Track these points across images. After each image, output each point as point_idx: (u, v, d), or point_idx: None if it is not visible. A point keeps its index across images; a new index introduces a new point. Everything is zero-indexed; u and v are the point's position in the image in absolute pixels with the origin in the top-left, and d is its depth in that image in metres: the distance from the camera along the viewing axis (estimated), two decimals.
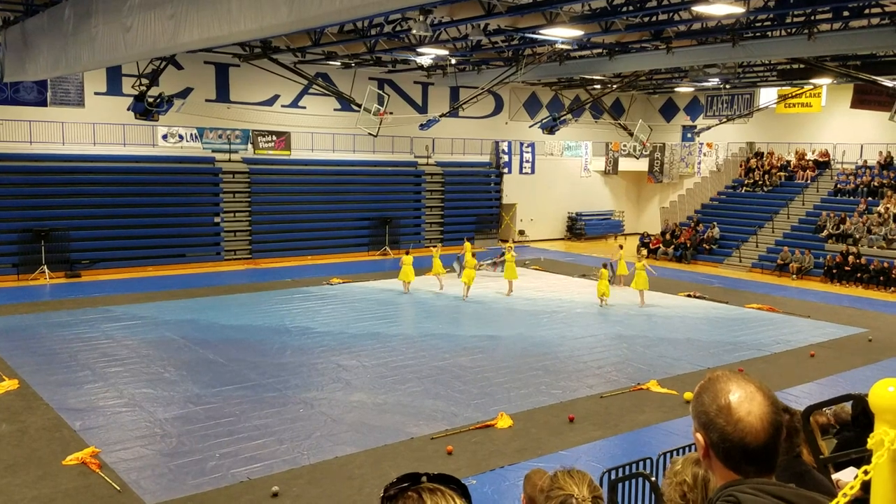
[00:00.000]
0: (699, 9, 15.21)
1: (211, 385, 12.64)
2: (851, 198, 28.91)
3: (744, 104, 33.94)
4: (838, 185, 29.77)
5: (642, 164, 37.70)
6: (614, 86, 30.12)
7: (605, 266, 20.76)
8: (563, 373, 13.94)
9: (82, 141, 24.27)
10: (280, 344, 15.47)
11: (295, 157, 28.52)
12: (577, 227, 36.43)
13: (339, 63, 25.93)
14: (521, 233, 34.36)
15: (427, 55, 23.32)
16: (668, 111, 38.06)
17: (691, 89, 34.11)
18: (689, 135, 36.17)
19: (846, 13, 16.39)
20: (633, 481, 7.29)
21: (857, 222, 27.11)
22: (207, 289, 21.37)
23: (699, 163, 36.24)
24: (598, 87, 31.41)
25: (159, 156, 25.64)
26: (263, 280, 23.06)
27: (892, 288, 23.99)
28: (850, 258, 25.31)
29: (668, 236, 31.40)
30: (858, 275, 24.87)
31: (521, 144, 34.65)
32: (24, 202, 23.05)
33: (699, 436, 1.83)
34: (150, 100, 20.82)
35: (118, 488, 8.72)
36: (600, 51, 22.48)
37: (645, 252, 30.09)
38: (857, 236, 26.53)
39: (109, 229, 24.28)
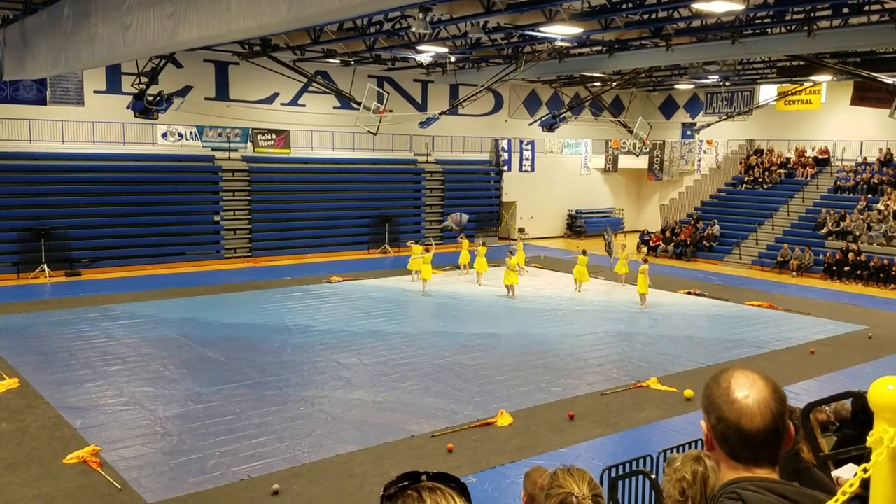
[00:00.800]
0: (699, 6, 15.18)
1: (211, 383, 12.65)
2: (851, 195, 28.91)
3: (744, 101, 33.92)
4: (838, 182, 29.76)
5: (642, 162, 37.69)
6: (614, 83, 30.09)
7: (584, 253, 20.91)
8: (564, 370, 13.95)
9: (82, 139, 24.26)
10: (280, 342, 15.47)
11: (294, 156, 28.51)
12: (577, 225, 36.44)
13: (338, 61, 25.92)
14: (521, 230, 34.35)
15: (426, 53, 23.30)
16: (668, 108, 38.04)
17: (691, 86, 34.09)
18: (688, 132, 36.16)
19: (846, 10, 16.37)
20: (634, 479, 7.29)
21: (857, 219, 27.11)
22: (207, 287, 21.38)
23: (699, 160, 36.24)
24: (598, 84, 31.39)
25: (159, 154, 25.63)
26: (263, 278, 23.07)
27: (892, 285, 23.99)
28: (850, 255, 25.32)
29: (668, 234, 31.41)
30: (858, 272, 24.87)
31: (521, 142, 34.65)
32: (23, 201, 23.04)
33: (703, 422, 1.87)
34: (150, 98, 20.80)
35: (119, 487, 8.73)
36: (600, 48, 22.46)
37: (645, 250, 30.07)
38: (857, 233, 26.53)
39: (109, 228, 24.28)
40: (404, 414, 11.39)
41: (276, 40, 21.74)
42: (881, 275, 24.38)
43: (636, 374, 13.65)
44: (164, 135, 25.86)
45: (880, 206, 27.13)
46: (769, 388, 1.81)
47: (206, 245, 26.26)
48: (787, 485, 1.78)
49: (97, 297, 19.59)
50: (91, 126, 24.31)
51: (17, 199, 22.98)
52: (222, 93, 26.94)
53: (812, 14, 17.18)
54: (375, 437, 10.40)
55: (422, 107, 31.35)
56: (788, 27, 18.46)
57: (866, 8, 16.21)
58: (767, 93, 32.30)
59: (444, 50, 22.46)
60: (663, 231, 31.96)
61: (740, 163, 33.83)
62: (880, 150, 29.60)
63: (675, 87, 34.38)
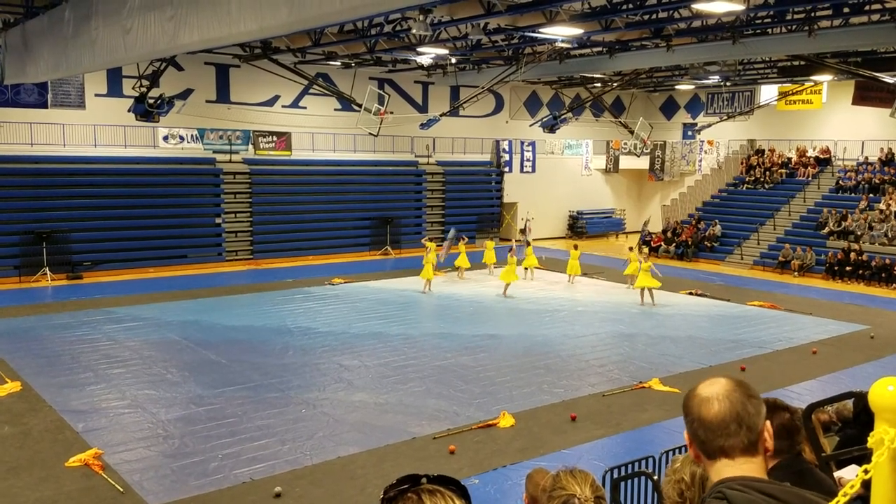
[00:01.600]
0: (699, 6, 15.18)
1: (213, 386, 12.65)
2: (853, 194, 28.88)
3: (744, 101, 33.90)
4: (840, 182, 29.73)
5: (643, 163, 37.67)
6: (615, 84, 30.08)
7: (575, 247, 21.10)
8: (566, 371, 13.94)
9: (83, 142, 24.28)
10: (282, 344, 15.48)
11: (296, 158, 28.53)
12: (579, 226, 36.43)
13: (339, 63, 25.93)
14: (523, 231, 34.32)
15: (427, 55, 23.31)
16: (669, 109, 38.03)
17: (692, 87, 34.08)
18: (689, 132, 36.13)
19: (846, 10, 16.35)
20: (636, 480, 7.29)
21: (858, 219, 27.08)
22: (209, 290, 21.38)
23: (700, 160, 36.22)
24: (599, 85, 31.38)
25: (160, 157, 25.66)
26: (265, 280, 23.07)
27: (894, 284, 23.96)
28: (852, 255, 25.29)
29: (669, 234, 31.38)
30: (860, 272, 24.85)
31: (522, 143, 34.64)
32: (25, 204, 23.06)
33: (685, 432, 1.94)
34: (151, 101, 20.82)
35: (121, 490, 8.73)
36: (600, 49, 22.45)
37: (647, 250, 30.02)
38: (859, 233, 26.50)
39: (111, 231, 24.30)
40: (406, 416, 11.38)
41: (276, 43, 21.76)
42: (883, 274, 24.35)
43: (638, 375, 13.64)
44: (166, 137, 25.88)
45: (882, 206, 27.10)
46: (732, 383, 1.88)
47: (207, 247, 26.27)
48: (774, 484, 1.79)
49: (99, 300, 19.60)
50: (92, 129, 24.34)
51: (19, 203, 23.01)
52: (223, 95, 26.97)
53: (812, 14, 17.17)
54: (377, 439, 10.39)
55: (422, 108, 31.36)
56: (789, 27, 18.45)
57: (867, 7, 16.20)
58: (768, 93, 32.28)
59: (444, 51, 22.48)
60: (664, 231, 31.93)
61: (741, 163, 33.80)
62: (881, 149, 29.56)
63: (676, 87, 34.38)
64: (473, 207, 32.84)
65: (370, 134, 26.04)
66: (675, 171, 37.30)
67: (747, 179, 32.73)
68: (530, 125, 31.94)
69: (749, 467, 1.81)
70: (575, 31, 17.94)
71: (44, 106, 23.53)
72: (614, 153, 37.38)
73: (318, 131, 28.83)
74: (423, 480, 1.56)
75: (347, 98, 24.97)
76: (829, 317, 19.15)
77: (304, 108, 28.66)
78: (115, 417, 11.17)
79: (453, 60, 25.45)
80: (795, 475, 2.55)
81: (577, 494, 2.52)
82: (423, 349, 15.31)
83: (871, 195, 28.10)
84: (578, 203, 36.84)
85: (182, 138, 26.23)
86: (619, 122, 32.59)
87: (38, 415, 11.22)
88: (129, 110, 21.43)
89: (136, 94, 20.87)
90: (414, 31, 15.99)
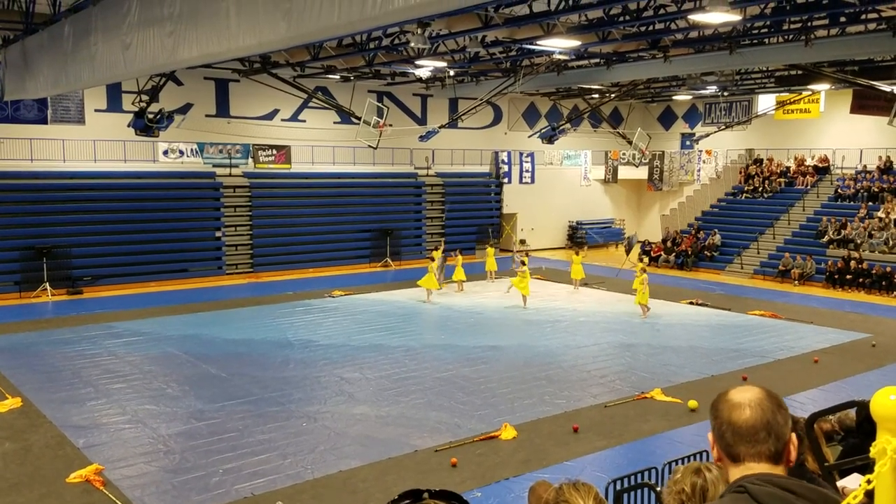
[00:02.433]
0: (696, 17, 15.23)
1: (214, 400, 12.62)
2: (852, 203, 28.92)
3: (742, 111, 33.98)
4: (838, 191, 29.78)
5: (642, 173, 37.74)
6: (612, 95, 30.19)
7: (577, 252, 21.15)
8: (567, 382, 13.91)
9: (83, 158, 24.33)
10: (282, 357, 15.45)
11: (295, 171, 28.58)
12: (578, 236, 36.45)
13: (338, 76, 26.03)
14: (522, 242, 34.35)
15: (425, 67, 23.39)
16: (667, 119, 38.14)
17: (689, 97, 34.18)
18: (688, 142, 36.22)
19: (843, 19, 16.42)
20: (639, 491, 7.26)
21: (857, 227, 27.11)
22: (209, 303, 21.37)
23: (699, 170, 36.27)
24: (597, 96, 31.49)
25: (160, 171, 25.71)
26: (265, 294, 23.07)
27: (895, 292, 23.96)
28: (852, 263, 25.29)
29: (669, 244, 31.39)
30: (860, 280, 24.83)
31: (521, 154, 34.72)
32: (25, 220, 23.09)
33: (710, 434, 1.99)
34: (151, 116, 20.88)
35: None
36: (598, 60, 22.54)
37: (647, 260, 30.04)
38: (859, 241, 26.52)
39: (111, 245, 24.31)
40: (408, 428, 11.35)
41: (275, 57, 21.84)
42: (883, 282, 24.34)
43: (640, 385, 13.61)
44: (165, 152, 25.94)
45: (881, 214, 27.13)
46: (764, 392, 1.93)
47: (207, 261, 26.27)
48: (793, 480, 1.83)
49: (99, 315, 19.59)
50: (92, 144, 24.40)
51: (19, 218, 23.03)
52: (223, 109, 27.05)
53: (809, 23, 17.24)
54: (379, 452, 10.36)
55: (421, 121, 31.45)
56: (786, 37, 18.53)
57: (863, 17, 16.27)
58: (766, 102, 32.36)
59: (442, 64, 22.56)
60: (664, 241, 31.94)
61: (740, 172, 33.86)
62: (880, 157, 29.63)
63: (674, 97, 34.47)
64: (473, 219, 32.87)
65: (369, 146, 26.09)
66: (673, 180, 37.36)
67: (746, 189, 32.78)
68: (529, 136, 32.03)
69: (766, 466, 1.88)
70: (572, 42, 18.01)
71: (44, 121, 23.59)
72: (613, 163, 37.45)
73: (317, 144, 28.90)
74: (426, 495, 1.56)
75: (347, 111, 25.05)
76: (830, 325, 19.13)
77: (304, 121, 28.74)
78: (116, 433, 11.14)
79: (451, 73, 25.55)
80: None
81: None
82: (423, 361, 15.29)
83: (870, 203, 28.13)
84: (578, 213, 36.88)
85: (182, 153, 26.29)
86: (618, 132, 32.68)
87: (39, 431, 11.19)
88: (128, 125, 21.49)
89: (136, 109, 20.94)
90: (412, 44, 16.04)
